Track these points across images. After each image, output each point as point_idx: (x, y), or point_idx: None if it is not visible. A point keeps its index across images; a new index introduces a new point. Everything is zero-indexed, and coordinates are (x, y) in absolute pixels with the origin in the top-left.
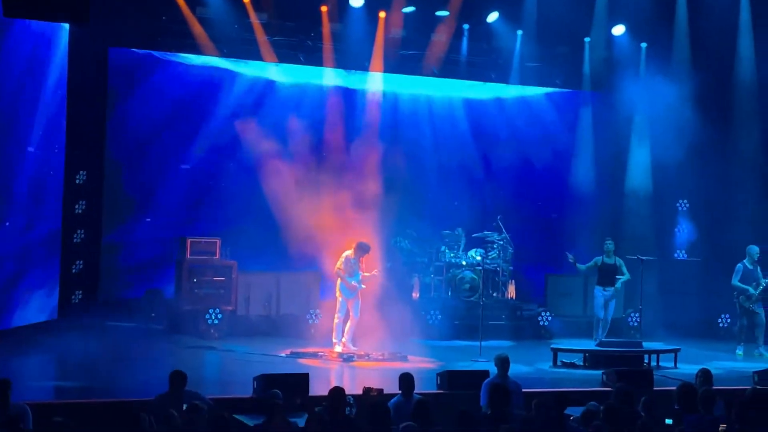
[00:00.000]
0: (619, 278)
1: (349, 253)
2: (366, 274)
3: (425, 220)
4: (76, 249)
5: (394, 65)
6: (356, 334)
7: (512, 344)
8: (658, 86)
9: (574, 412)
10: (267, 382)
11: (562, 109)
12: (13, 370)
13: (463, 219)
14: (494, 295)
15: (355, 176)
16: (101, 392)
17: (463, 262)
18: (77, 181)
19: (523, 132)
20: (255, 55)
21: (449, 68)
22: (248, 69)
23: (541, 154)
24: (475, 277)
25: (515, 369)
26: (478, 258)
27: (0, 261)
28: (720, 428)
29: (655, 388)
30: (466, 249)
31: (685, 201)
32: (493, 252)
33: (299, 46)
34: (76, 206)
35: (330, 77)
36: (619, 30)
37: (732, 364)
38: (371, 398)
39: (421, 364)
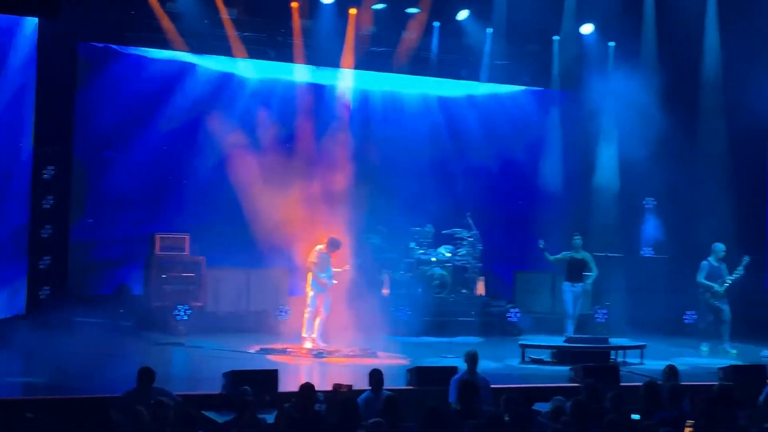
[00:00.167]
0: (588, 275)
1: (321, 247)
2: (337, 270)
3: (395, 217)
4: (44, 245)
5: (364, 62)
6: (326, 330)
7: (481, 340)
8: (626, 84)
9: (542, 407)
10: (236, 378)
11: (532, 107)
12: None
13: (433, 215)
14: (463, 291)
15: (325, 172)
16: (69, 389)
17: (433, 259)
18: (45, 177)
19: (493, 129)
20: (225, 50)
21: (420, 65)
22: (218, 64)
23: (511, 152)
24: (445, 273)
25: (484, 365)
26: (448, 254)
27: None
28: (687, 423)
29: (621, 384)
30: (436, 245)
31: (652, 198)
32: (462, 249)
33: (269, 42)
34: (44, 202)
35: (300, 73)
36: (587, 29)
37: (697, 360)
38: (341, 394)
39: (390, 360)
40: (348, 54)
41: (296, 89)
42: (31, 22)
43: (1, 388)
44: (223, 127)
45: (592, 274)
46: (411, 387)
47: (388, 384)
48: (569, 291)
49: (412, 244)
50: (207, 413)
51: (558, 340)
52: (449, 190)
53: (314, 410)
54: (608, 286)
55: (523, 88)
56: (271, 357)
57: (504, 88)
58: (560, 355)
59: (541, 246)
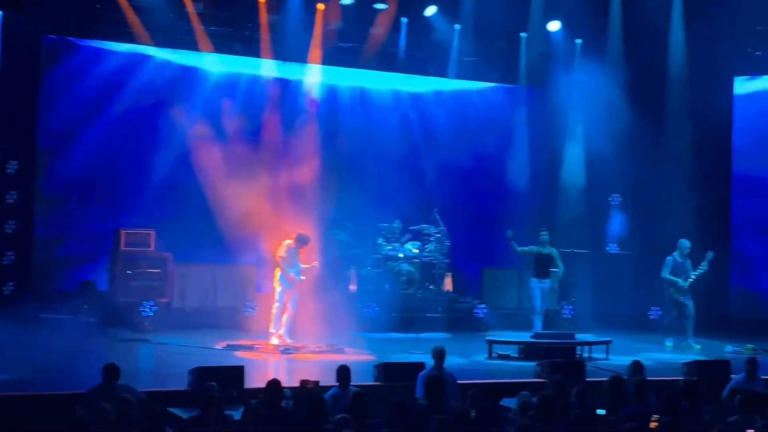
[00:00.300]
0: (554, 271)
1: (289, 242)
2: (305, 266)
3: (363, 213)
4: (7, 240)
5: (332, 57)
6: (293, 326)
7: (448, 336)
8: (593, 81)
9: (509, 403)
10: (202, 374)
11: (499, 104)
12: None
13: (401, 211)
14: (431, 287)
15: (292, 168)
16: (35, 385)
17: (401, 255)
18: (8, 171)
19: (460, 126)
20: (191, 45)
21: (387, 61)
22: (184, 59)
23: (478, 148)
24: (412, 269)
25: (451, 361)
26: (415, 251)
27: None
28: (652, 418)
29: (587, 379)
30: (404, 241)
31: (618, 195)
32: (430, 245)
33: (236, 37)
34: (7, 197)
35: (267, 68)
36: (554, 26)
37: (662, 355)
38: (307, 390)
39: (357, 356)
40: (315, 49)
41: (263, 84)
42: None
43: None
44: (188, 121)
45: (558, 271)
46: (378, 383)
47: (355, 380)
48: (537, 287)
49: (380, 240)
50: (173, 410)
51: (525, 336)
52: (417, 186)
53: (281, 406)
54: (574, 282)
55: (490, 84)
56: (237, 353)
57: (472, 85)
58: (527, 351)
59: (509, 235)
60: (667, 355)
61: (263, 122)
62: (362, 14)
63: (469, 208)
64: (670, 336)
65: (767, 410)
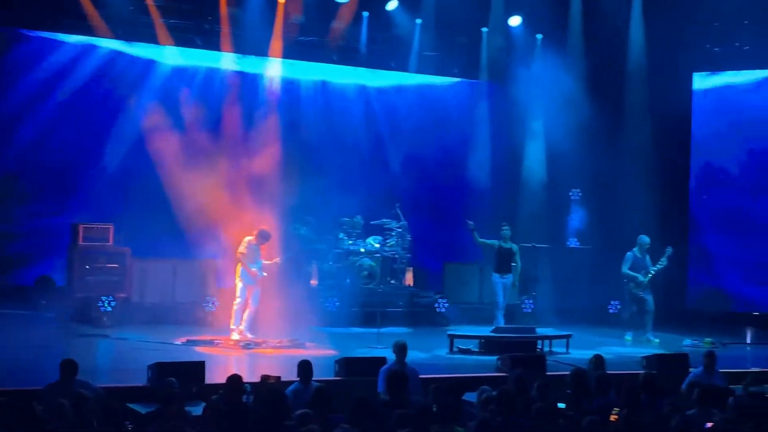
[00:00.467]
0: (514, 265)
1: (250, 238)
2: (267, 262)
3: (324, 207)
4: None
5: (293, 51)
6: (254, 321)
7: (409, 331)
8: (553, 77)
9: (471, 397)
10: (162, 370)
11: (461, 99)
12: None
13: (363, 206)
14: (392, 282)
15: (253, 162)
16: None
17: (362, 249)
18: None
19: (422, 120)
20: (150, 37)
21: (349, 55)
22: (143, 51)
23: (440, 143)
24: (374, 264)
25: (412, 355)
26: (377, 245)
27: None
28: (613, 411)
29: (548, 373)
30: (365, 236)
31: (578, 190)
32: (391, 239)
33: (196, 30)
34: None
35: (228, 62)
36: (515, 21)
37: (621, 349)
38: (268, 386)
39: (319, 351)
40: (276, 43)
41: (223, 78)
42: None
43: None
44: (147, 114)
45: (516, 268)
46: (339, 378)
47: (317, 375)
48: (499, 282)
49: (341, 235)
50: (132, 406)
51: (486, 330)
52: (378, 180)
53: (242, 402)
54: (535, 277)
55: (452, 79)
56: (198, 349)
57: (433, 79)
58: (488, 345)
59: (470, 226)
60: (627, 348)
61: (223, 115)
62: (323, 8)
63: (430, 203)
64: (630, 330)
65: (725, 403)
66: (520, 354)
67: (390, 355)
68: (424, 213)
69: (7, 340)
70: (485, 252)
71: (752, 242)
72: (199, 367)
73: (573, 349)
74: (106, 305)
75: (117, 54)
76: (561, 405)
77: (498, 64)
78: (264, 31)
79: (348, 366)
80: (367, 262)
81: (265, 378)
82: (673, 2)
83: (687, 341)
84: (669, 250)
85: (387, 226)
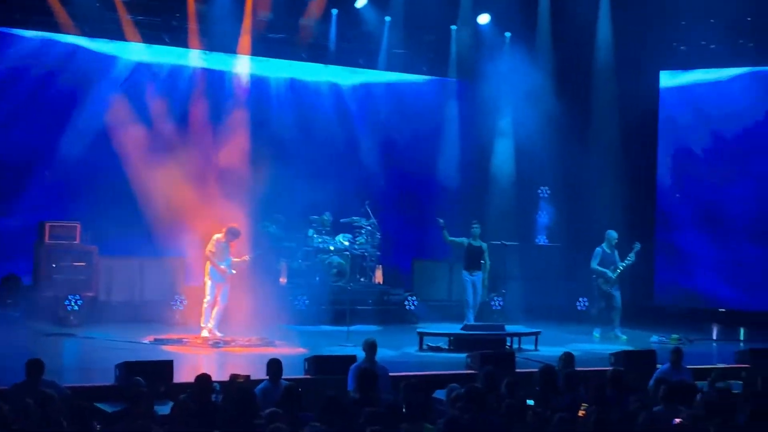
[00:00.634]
0: (483, 262)
1: (219, 236)
2: (236, 259)
3: (293, 205)
4: None
5: (262, 48)
6: (223, 319)
7: (379, 329)
8: (522, 75)
9: (440, 395)
10: (129, 369)
11: (430, 96)
12: None
13: (331, 204)
14: (361, 280)
15: (222, 160)
16: None
17: (331, 247)
18: None
19: (391, 118)
20: (117, 34)
21: (318, 53)
22: (110, 48)
23: (409, 141)
24: (343, 262)
25: (382, 353)
26: (346, 243)
27: None
28: (581, 407)
29: (517, 370)
30: (334, 234)
31: (547, 187)
32: (360, 237)
33: (164, 27)
34: None
35: (196, 59)
36: (484, 19)
37: (589, 346)
38: (237, 384)
39: (288, 349)
40: (245, 40)
41: (191, 75)
42: None
43: None
44: (117, 113)
45: (485, 266)
46: (309, 376)
47: (286, 373)
48: (468, 280)
49: (311, 233)
50: (99, 405)
51: (455, 328)
52: (348, 178)
53: (210, 401)
54: (504, 274)
55: (421, 77)
56: (166, 347)
57: (402, 77)
58: (457, 343)
59: (441, 224)
60: (595, 345)
61: (191, 113)
62: (292, 5)
63: (400, 201)
64: (598, 326)
65: (692, 400)
66: (490, 351)
67: (360, 353)
68: (393, 210)
69: None
70: (455, 250)
71: (719, 239)
72: (167, 366)
73: (542, 346)
74: (73, 304)
75: (83, 50)
76: (530, 402)
77: (467, 62)
78: (232, 27)
79: (318, 364)
80: (336, 259)
81: (234, 377)
82: (640, 1)
83: (654, 338)
84: (637, 246)
85: (356, 223)
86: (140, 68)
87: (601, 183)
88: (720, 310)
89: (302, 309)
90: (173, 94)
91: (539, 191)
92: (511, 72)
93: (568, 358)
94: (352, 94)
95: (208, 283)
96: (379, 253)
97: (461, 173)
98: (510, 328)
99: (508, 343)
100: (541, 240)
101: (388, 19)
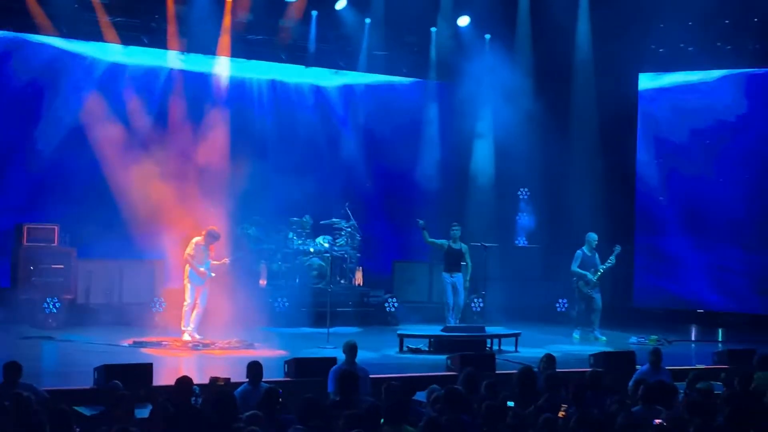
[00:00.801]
0: (464, 264)
1: (198, 239)
2: (215, 262)
3: (273, 207)
4: None
5: (241, 50)
6: (203, 322)
7: (359, 330)
8: (501, 77)
9: (421, 396)
10: (108, 372)
11: (410, 98)
12: None
13: (312, 206)
14: (342, 282)
15: (201, 161)
16: None
17: (311, 249)
18: None
19: (371, 120)
20: (96, 36)
21: (298, 55)
22: (89, 49)
23: (390, 142)
24: (323, 264)
25: (362, 355)
26: (326, 245)
27: None
28: (561, 408)
29: (497, 372)
30: (314, 236)
31: (526, 189)
32: (341, 239)
33: (143, 28)
34: None
35: (175, 60)
36: (464, 21)
37: (569, 347)
38: (217, 387)
39: (268, 351)
40: (224, 41)
41: (171, 76)
42: None
43: None
44: (96, 114)
45: (465, 265)
46: (289, 378)
47: (266, 376)
48: (448, 282)
49: (291, 235)
50: (78, 408)
51: (435, 330)
52: (328, 180)
53: (190, 404)
54: (484, 275)
55: (401, 78)
56: (145, 350)
57: (383, 78)
58: (437, 344)
59: (421, 225)
60: (575, 346)
61: (170, 114)
62: (272, 7)
63: (380, 203)
64: (578, 328)
65: (672, 400)
66: (470, 353)
67: (340, 356)
68: (373, 212)
69: None
70: (435, 251)
71: (698, 241)
72: (146, 369)
73: (522, 347)
74: (51, 307)
75: (61, 52)
76: (510, 403)
77: (447, 64)
78: (211, 29)
79: (298, 367)
80: (316, 261)
81: (214, 380)
82: (619, 3)
83: (633, 339)
84: (617, 248)
85: (336, 225)
86: (119, 70)
87: (581, 185)
88: (698, 311)
89: (282, 311)
90: (152, 96)
91: (519, 193)
92: (490, 74)
93: (549, 360)
94: (333, 96)
95: (188, 286)
96: (359, 254)
97: (441, 175)
98: (490, 329)
99: (489, 345)
100: (521, 241)
101: (368, 20)
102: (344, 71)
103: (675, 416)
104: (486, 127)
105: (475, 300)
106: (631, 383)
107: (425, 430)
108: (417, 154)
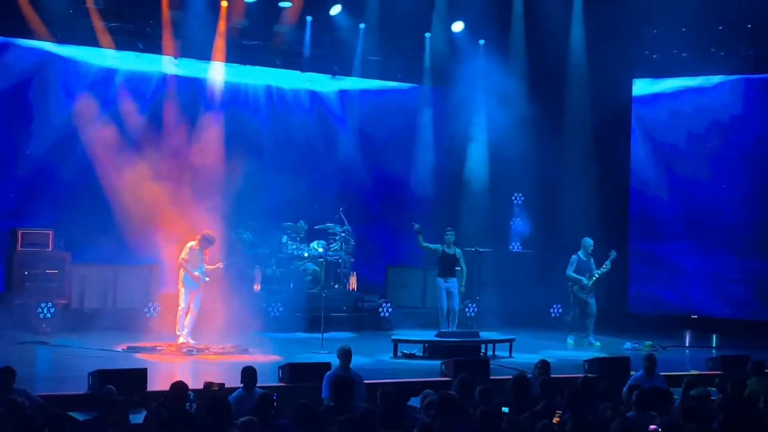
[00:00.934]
0: (459, 270)
1: (193, 244)
2: (210, 267)
3: (267, 212)
4: None
5: (236, 55)
6: (197, 327)
7: (353, 335)
8: (495, 82)
9: (416, 402)
10: (103, 377)
11: (404, 103)
12: None
13: (306, 210)
14: (336, 286)
15: (196, 166)
16: None
17: (306, 254)
18: None
19: (366, 125)
20: (91, 41)
21: (293, 60)
22: (84, 55)
23: (384, 147)
24: (317, 269)
25: (356, 360)
26: (320, 250)
27: None
28: (556, 414)
29: (491, 377)
30: (309, 241)
31: (520, 194)
32: (335, 244)
33: (137, 33)
34: None
35: (170, 65)
36: (458, 26)
37: (563, 353)
38: (212, 393)
39: (262, 356)
40: (219, 47)
41: (166, 81)
42: None
43: None
44: (90, 119)
45: (463, 273)
46: (283, 384)
47: (261, 381)
48: (442, 287)
49: (285, 240)
50: (73, 414)
51: (430, 335)
52: (322, 184)
53: (185, 409)
54: (478, 281)
55: (395, 83)
56: (139, 355)
57: (377, 84)
58: (432, 350)
59: (416, 229)
60: (569, 352)
61: (165, 119)
62: (266, 12)
63: (374, 207)
64: (572, 333)
65: (667, 406)
66: (464, 358)
67: (334, 360)
68: (367, 217)
69: None
70: (429, 256)
71: (693, 247)
72: (141, 374)
73: (516, 352)
74: (45, 312)
75: (56, 57)
76: (505, 409)
77: (441, 69)
78: (207, 34)
79: (292, 372)
80: (310, 266)
81: (208, 385)
82: (613, 9)
83: (627, 344)
84: (613, 253)
85: (331, 230)
86: (114, 75)
87: (575, 190)
88: (692, 316)
89: (276, 316)
90: (147, 101)
91: (513, 198)
92: (484, 79)
93: (544, 366)
94: (327, 101)
95: (182, 290)
96: (353, 259)
97: (435, 180)
98: (484, 334)
99: (483, 350)
100: (515, 246)
101: (362, 26)
102: (339, 76)
103: (670, 422)
104: (480, 132)
105: (470, 305)
106: (625, 389)
107: None
108: (411, 159)
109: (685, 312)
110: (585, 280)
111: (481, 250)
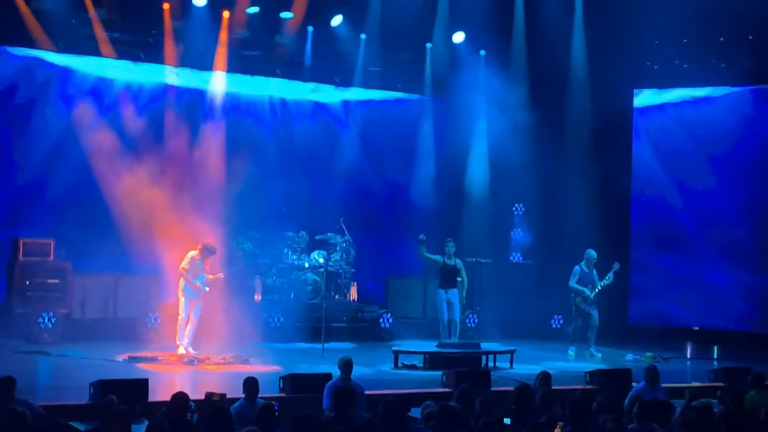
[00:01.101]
0: (460, 281)
1: (194, 253)
2: (210, 277)
3: (268, 222)
4: None
5: (238, 66)
6: (197, 336)
7: (354, 346)
8: (496, 93)
9: (416, 413)
10: (104, 388)
11: (405, 114)
12: None
13: (307, 221)
14: (336, 297)
15: (197, 176)
16: None
17: (306, 264)
18: None
19: (367, 135)
20: (94, 51)
21: (294, 70)
22: (86, 65)
23: (385, 158)
24: (318, 279)
25: (357, 371)
26: (321, 260)
27: None
28: (557, 425)
29: (492, 389)
30: (309, 251)
31: (521, 205)
32: (335, 254)
33: (140, 44)
34: None
35: (172, 76)
36: (459, 37)
37: (565, 364)
38: (213, 403)
39: (263, 367)
40: (221, 57)
41: (167, 91)
42: None
43: None
44: (93, 128)
45: (464, 284)
46: (284, 394)
47: (261, 392)
48: (442, 298)
49: (285, 250)
50: (74, 424)
51: (430, 346)
52: (323, 195)
53: (186, 420)
54: (479, 291)
55: (396, 94)
56: (140, 365)
57: (378, 95)
58: (432, 361)
59: (421, 239)
60: (570, 363)
61: (166, 129)
62: (268, 23)
63: (375, 217)
64: (573, 344)
65: (669, 418)
66: (465, 369)
67: (335, 371)
68: (368, 227)
69: None
70: (429, 267)
71: (694, 258)
72: (142, 384)
73: (517, 363)
74: (46, 321)
75: (57, 67)
76: (507, 420)
77: (442, 80)
78: (208, 45)
79: (293, 382)
80: (311, 276)
81: (209, 395)
82: (613, 19)
83: (629, 356)
84: (616, 265)
85: (331, 240)
86: (115, 85)
87: (576, 201)
88: (694, 328)
89: (277, 326)
90: (149, 111)
91: (514, 208)
92: (485, 90)
93: (545, 378)
94: (328, 112)
95: (182, 299)
96: (353, 270)
97: (436, 190)
98: (485, 345)
99: (484, 361)
100: (516, 257)
101: (363, 36)
102: (340, 87)
103: None
104: (481, 142)
105: (471, 316)
106: (627, 401)
107: None
108: (412, 169)
109: (686, 323)
110: (588, 292)
111: (481, 260)
